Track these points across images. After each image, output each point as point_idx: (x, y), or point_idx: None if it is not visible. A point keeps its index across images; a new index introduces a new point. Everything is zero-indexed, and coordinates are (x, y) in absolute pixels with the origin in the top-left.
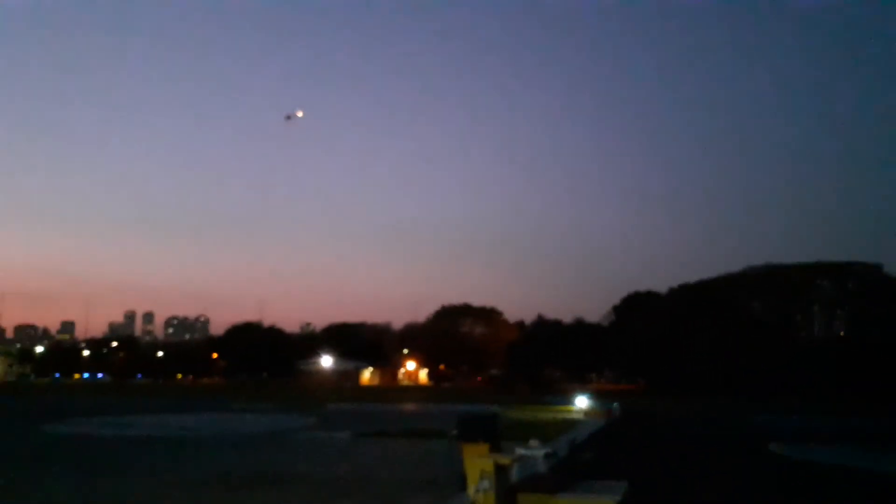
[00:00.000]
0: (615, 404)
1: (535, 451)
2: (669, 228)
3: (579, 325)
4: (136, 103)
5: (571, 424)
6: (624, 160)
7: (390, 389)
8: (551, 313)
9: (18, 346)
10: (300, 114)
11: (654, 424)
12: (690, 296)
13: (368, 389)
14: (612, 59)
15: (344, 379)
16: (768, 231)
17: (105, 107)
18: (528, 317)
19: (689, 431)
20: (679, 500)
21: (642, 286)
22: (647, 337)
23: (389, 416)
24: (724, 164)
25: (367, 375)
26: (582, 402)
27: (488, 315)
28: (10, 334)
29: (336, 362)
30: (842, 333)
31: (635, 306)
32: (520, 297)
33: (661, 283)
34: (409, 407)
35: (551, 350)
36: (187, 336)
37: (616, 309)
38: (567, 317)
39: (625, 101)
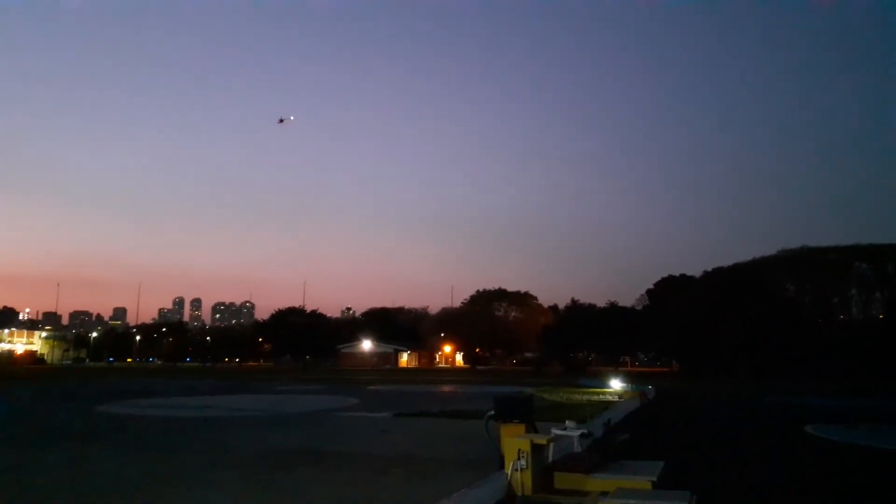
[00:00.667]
0: (649, 386)
1: (571, 431)
2: (703, 212)
3: (613, 309)
4: (180, 93)
5: (606, 406)
6: (656, 146)
7: (428, 372)
8: (585, 298)
9: (74, 331)
10: (292, 118)
11: (688, 406)
12: (725, 279)
13: (407, 372)
14: (643, 49)
15: (383, 361)
16: (804, 213)
17: (154, 97)
18: (562, 301)
19: (723, 413)
20: (714, 481)
21: (676, 270)
22: (681, 320)
23: (427, 398)
24: (757, 146)
25: (405, 358)
26: (616, 384)
27: (522, 299)
28: (65, 320)
29: (375, 345)
30: (881, 316)
31: (669, 290)
32: (553, 282)
33: (695, 266)
34: (447, 388)
35: (585, 333)
36: (234, 321)
37: (650, 293)
38: (601, 301)
39: (656, 88)
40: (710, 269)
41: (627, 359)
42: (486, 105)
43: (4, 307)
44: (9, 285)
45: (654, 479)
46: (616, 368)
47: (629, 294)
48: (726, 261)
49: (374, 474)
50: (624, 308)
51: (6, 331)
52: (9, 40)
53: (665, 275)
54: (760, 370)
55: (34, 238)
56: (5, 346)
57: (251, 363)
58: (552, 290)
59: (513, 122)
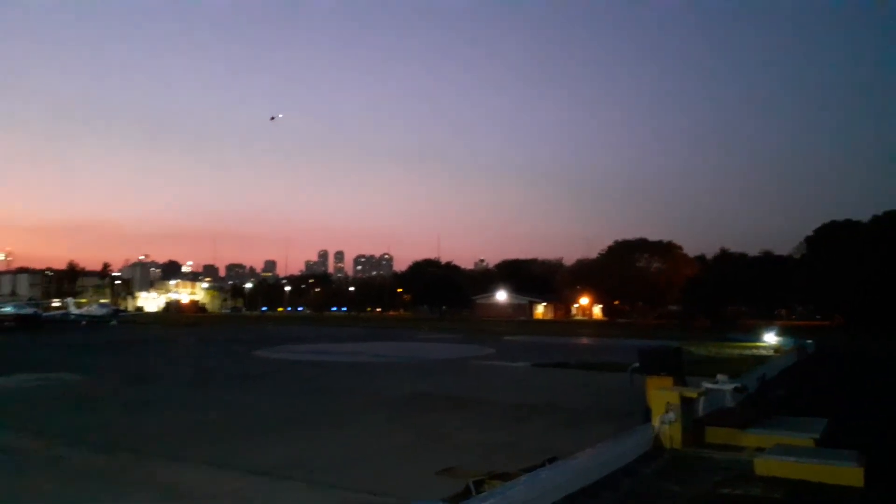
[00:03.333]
0: (808, 341)
1: (723, 385)
2: (870, 150)
3: (767, 258)
4: (323, 54)
5: (760, 361)
6: (815, 76)
7: (563, 324)
8: (735, 247)
9: (230, 282)
10: (281, 115)
11: (853, 363)
12: None
13: (542, 323)
14: None
15: (518, 313)
16: None
17: (302, 60)
18: (710, 251)
19: (894, 371)
20: (886, 442)
21: (840, 215)
22: (846, 269)
23: (565, 349)
24: None
25: (540, 310)
26: (771, 338)
27: (665, 249)
28: (222, 272)
29: (510, 296)
30: None
31: (832, 237)
32: (700, 231)
33: (863, 211)
34: (584, 341)
35: (735, 285)
36: (374, 272)
37: (809, 240)
38: (753, 250)
39: (816, 18)
40: (880, 212)
41: (783, 312)
42: (621, 56)
43: (170, 261)
44: (173, 240)
45: (817, 436)
46: (770, 322)
47: (786, 242)
48: None
49: (516, 422)
50: (780, 257)
51: (172, 282)
52: (174, 30)
53: (827, 220)
54: None
55: (194, 196)
56: (172, 296)
57: (391, 312)
58: (698, 240)
59: (650, 71)
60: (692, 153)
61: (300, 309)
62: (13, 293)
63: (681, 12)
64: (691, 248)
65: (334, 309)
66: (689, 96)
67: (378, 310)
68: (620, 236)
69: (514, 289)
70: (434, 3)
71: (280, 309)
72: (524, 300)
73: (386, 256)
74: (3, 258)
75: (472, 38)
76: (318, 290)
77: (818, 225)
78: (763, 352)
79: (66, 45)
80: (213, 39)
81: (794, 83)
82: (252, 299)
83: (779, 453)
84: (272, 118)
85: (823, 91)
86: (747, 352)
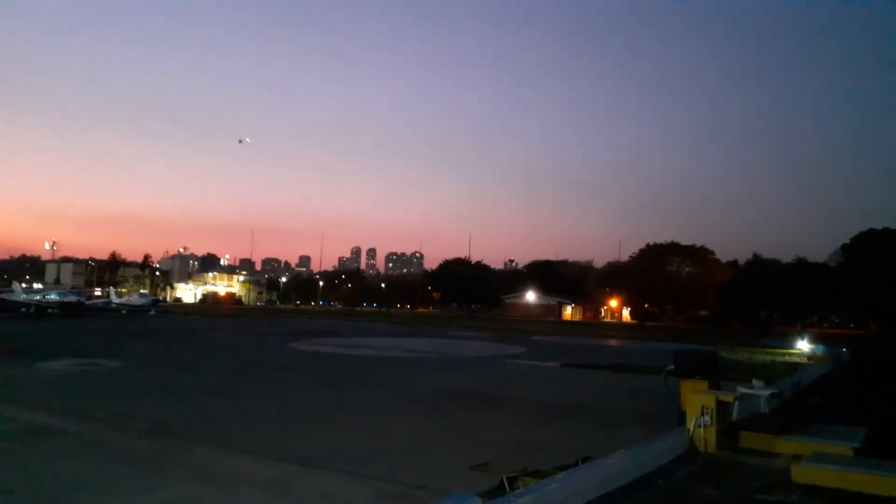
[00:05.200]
0: (843, 349)
1: (759, 390)
2: None
3: (801, 265)
4: (375, 47)
5: (794, 367)
6: (851, 86)
7: (593, 325)
8: (769, 253)
9: (266, 276)
10: (248, 139)
11: (891, 372)
12: None
13: (571, 324)
14: None
15: (546, 313)
16: None
17: (344, 58)
18: (742, 257)
19: None
20: None
21: (879, 223)
22: (883, 278)
23: (594, 350)
24: None
25: (569, 311)
26: (804, 345)
27: (698, 254)
28: (258, 266)
29: (539, 297)
30: None
31: (869, 245)
32: (732, 236)
33: None
34: (614, 343)
35: (767, 291)
36: (404, 270)
37: (845, 248)
38: (787, 256)
39: (851, 25)
40: None
41: (816, 319)
42: (655, 58)
43: (208, 254)
44: (212, 234)
45: (857, 445)
46: (803, 329)
47: (821, 249)
48: None
49: (548, 420)
50: (814, 264)
51: (210, 274)
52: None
53: (865, 228)
54: None
55: (234, 192)
56: (210, 288)
57: (421, 309)
58: (730, 245)
59: (684, 74)
60: (725, 158)
61: (332, 304)
62: (57, 281)
63: (714, 13)
64: (723, 254)
65: (365, 305)
66: (722, 101)
67: (408, 307)
68: (652, 240)
69: (544, 289)
70: (469, 1)
71: (313, 303)
72: (553, 301)
73: (417, 254)
74: (48, 247)
75: (505, 38)
76: (350, 286)
77: (853, 233)
78: (797, 359)
79: (113, 42)
80: (254, 38)
81: (829, 88)
82: (286, 293)
83: (817, 461)
84: (240, 141)
85: (858, 96)
86: (780, 358)
